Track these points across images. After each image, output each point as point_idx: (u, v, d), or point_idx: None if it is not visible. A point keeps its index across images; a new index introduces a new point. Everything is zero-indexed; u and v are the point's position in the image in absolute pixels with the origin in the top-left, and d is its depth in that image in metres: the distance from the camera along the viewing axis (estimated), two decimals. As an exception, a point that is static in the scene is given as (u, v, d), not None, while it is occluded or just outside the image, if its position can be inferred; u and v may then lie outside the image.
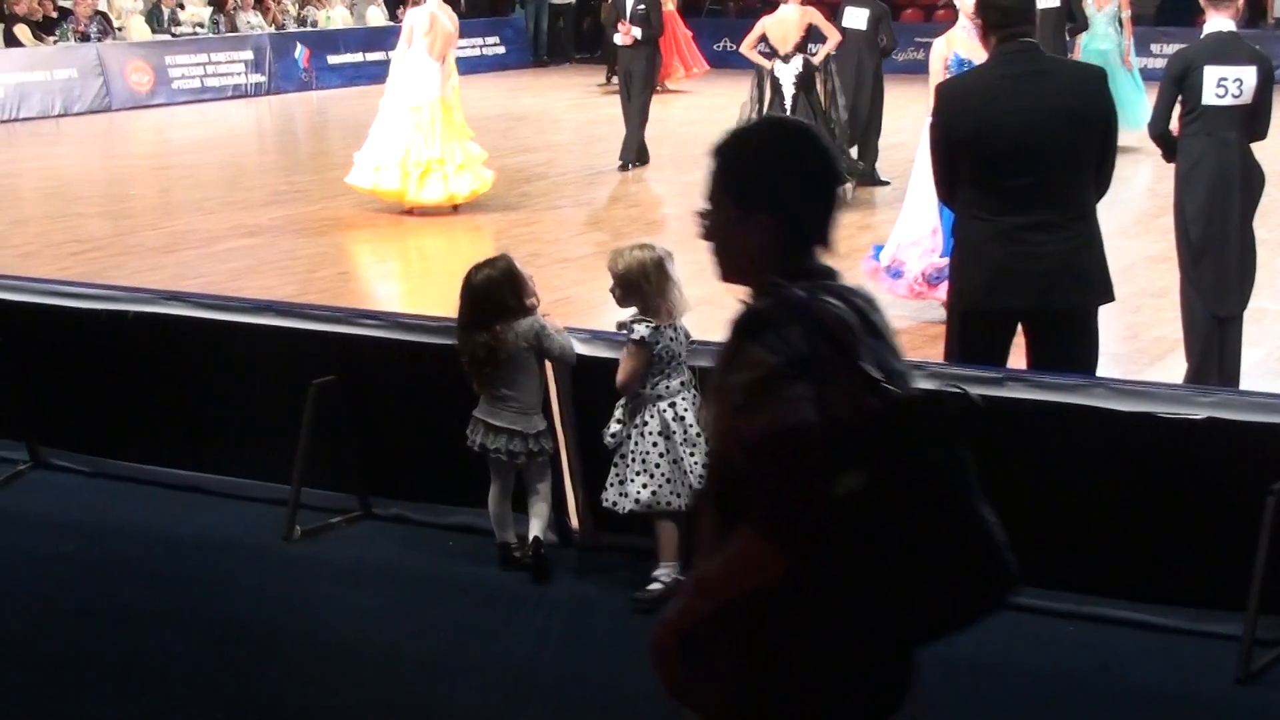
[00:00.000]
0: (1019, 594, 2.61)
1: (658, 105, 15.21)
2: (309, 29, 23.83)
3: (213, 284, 9.18)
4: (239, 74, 21.72)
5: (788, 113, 12.15)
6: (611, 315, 5.24)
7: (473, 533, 5.54)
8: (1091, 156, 5.16)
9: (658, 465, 4.98)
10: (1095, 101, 5.20)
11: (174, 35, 21.95)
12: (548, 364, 5.35)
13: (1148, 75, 14.77)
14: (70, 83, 19.68)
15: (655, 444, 4.99)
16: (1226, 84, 6.62)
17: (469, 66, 23.55)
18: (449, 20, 12.29)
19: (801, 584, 2.43)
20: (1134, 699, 4.47)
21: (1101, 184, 5.25)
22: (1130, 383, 5.03)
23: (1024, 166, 5.09)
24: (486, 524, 5.38)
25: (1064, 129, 5.10)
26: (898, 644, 2.53)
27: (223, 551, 5.58)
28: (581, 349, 5.35)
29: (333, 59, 22.97)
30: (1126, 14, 15.34)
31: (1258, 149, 6.89)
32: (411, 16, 12.35)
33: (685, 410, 5.00)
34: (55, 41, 20.41)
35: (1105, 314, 5.42)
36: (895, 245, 8.79)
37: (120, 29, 21.71)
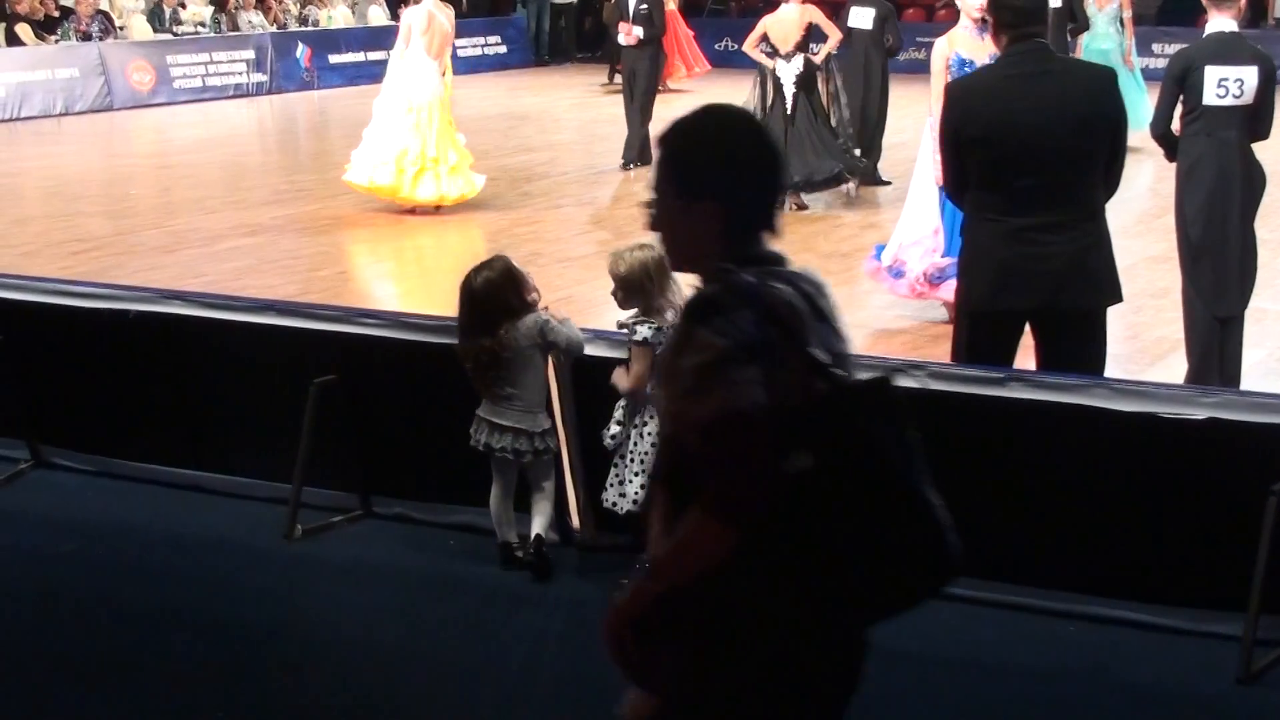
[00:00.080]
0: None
1: (659, 105, 15.20)
2: (310, 28, 23.84)
3: (214, 283, 9.19)
4: (240, 73, 21.73)
5: (789, 113, 12.17)
6: (613, 314, 5.24)
7: (474, 532, 5.53)
8: (1101, 157, 5.16)
9: (658, 465, 4.97)
10: (1105, 102, 5.20)
11: (175, 34, 21.96)
12: (548, 364, 5.35)
13: (1149, 75, 14.78)
14: (72, 82, 19.69)
15: (655, 444, 4.98)
16: (1227, 84, 6.62)
17: (470, 66, 23.62)
18: (446, 19, 12.29)
19: (750, 566, 2.47)
20: (1135, 699, 4.47)
21: (1111, 184, 5.25)
22: (1131, 383, 5.03)
23: (1033, 167, 5.09)
24: (488, 523, 5.38)
25: (1074, 130, 5.09)
26: (845, 625, 2.57)
27: (223, 551, 5.58)
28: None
29: (334, 58, 22.98)
30: (1128, 14, 15.34)
31: (1259, 149, 6.89)
32: (409, 15, 12.34)
33: (685, 410, 4.99)
34: (57, 41, 20.42)
35: (1107, 314, 5.42)
36: (897, 245, 8.79)
37: (122, 28, 21.71)
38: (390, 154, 12.06)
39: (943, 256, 8.38)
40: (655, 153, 2.67)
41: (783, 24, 12.28)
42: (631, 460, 5.02)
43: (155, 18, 22.10)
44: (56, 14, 20.92)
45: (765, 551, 2.47)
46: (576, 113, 19.96)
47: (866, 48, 13.08)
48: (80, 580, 5.40)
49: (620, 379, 5.02)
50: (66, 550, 5.62)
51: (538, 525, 5.26)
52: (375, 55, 22.28)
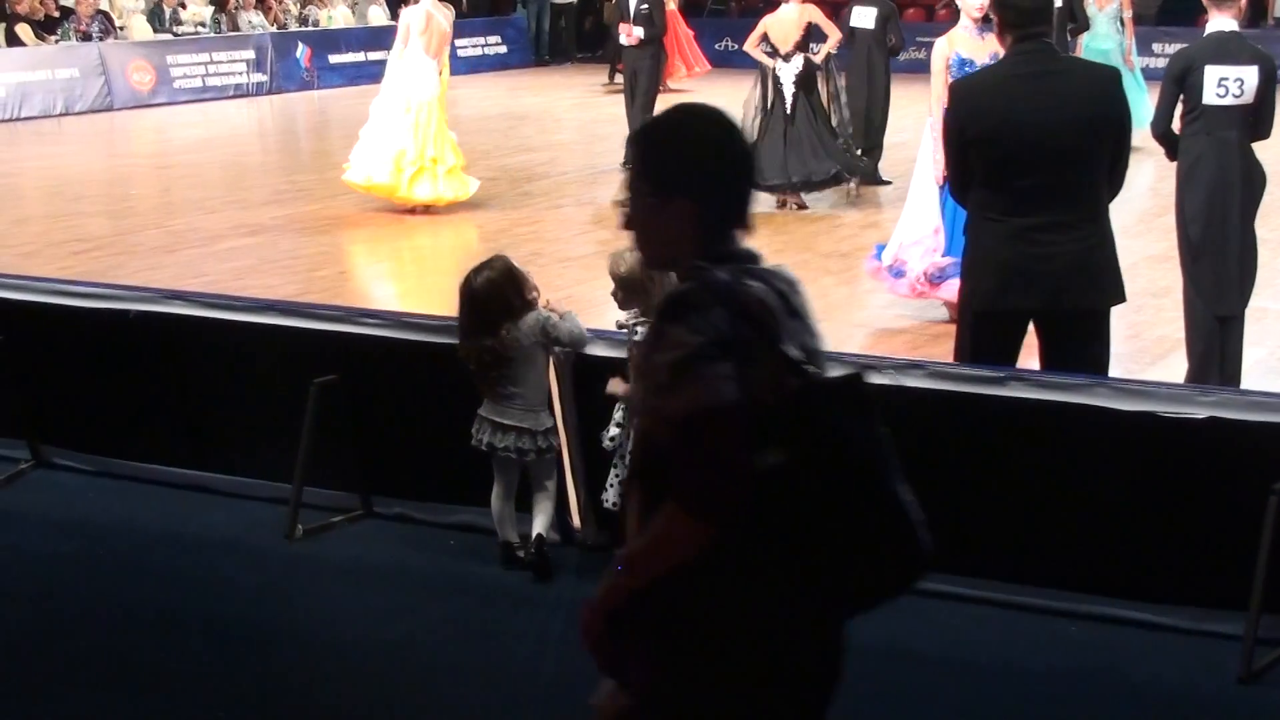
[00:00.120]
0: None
1: (660, 104, 15.20)
2: (310, 28, 23.85)
3: (214, 283, 9.18)
4: (240, 73, 21.73)
5: (789, 112, 12.17)
6: (613, 314, 5.23)
7: (474, 532, 5.53)
8: (1105, 157, 5.16)
9: (658, 465, 4.96)
10: (1109, 102, 5.19)
11: (175, 34, 21.96)
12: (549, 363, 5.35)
13: (1149, 75, 14.77)
14: (72, 82, 19.69)
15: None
16: (1227, 84, 6.61)
17: (471, 66, 23.64)
18: (444, 19, 12.28)
19: (723, 561, 2.49)
20: (1136, 698, 4.47)
21: (1114, 184, 5.25)
22: (1132, 382, 5.03)
23: (1037, 166, 5.08)
24: (488, 523, 5.37)
25: (1078, 129, 5.08)
26: (817, 620, 2.58)
27: (224, 551, 5.58)
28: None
29: (334, 58, 22.98)
30: (1128, 13, 15.34)
31: (1259, 149, 6.88)
32: (407, 15, 12.33)
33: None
34: (57, 41, 20.43)
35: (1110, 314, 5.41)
36: (897, 244, 8.79)
37: (122, 28, 21.72)
38: (388, 153, 12.06)
39: (943, 256, 8.38)
40: (629, 151, 2.70)
41: (783, 24, 12.28)
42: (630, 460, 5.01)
43: (155, 18, 22.10)
44: (56, 14, 20.92)
45: (737, 546, 2.48)
46: (577, 113, 19.96)
47: (869, 47, 13.08)
48: (80, 580, 5.40)
49: (616, 386, 5.01)
50: (67, 550, 5.62)
51: (539, 525, 5.25)
52: (375, 55, 22.26)
